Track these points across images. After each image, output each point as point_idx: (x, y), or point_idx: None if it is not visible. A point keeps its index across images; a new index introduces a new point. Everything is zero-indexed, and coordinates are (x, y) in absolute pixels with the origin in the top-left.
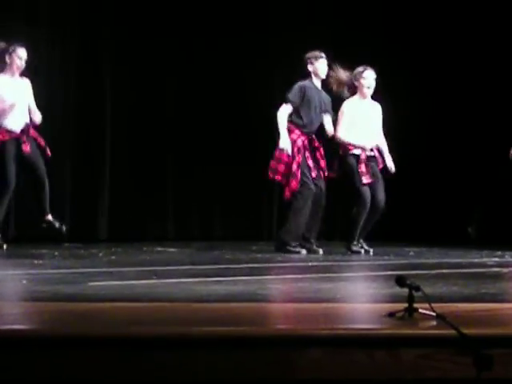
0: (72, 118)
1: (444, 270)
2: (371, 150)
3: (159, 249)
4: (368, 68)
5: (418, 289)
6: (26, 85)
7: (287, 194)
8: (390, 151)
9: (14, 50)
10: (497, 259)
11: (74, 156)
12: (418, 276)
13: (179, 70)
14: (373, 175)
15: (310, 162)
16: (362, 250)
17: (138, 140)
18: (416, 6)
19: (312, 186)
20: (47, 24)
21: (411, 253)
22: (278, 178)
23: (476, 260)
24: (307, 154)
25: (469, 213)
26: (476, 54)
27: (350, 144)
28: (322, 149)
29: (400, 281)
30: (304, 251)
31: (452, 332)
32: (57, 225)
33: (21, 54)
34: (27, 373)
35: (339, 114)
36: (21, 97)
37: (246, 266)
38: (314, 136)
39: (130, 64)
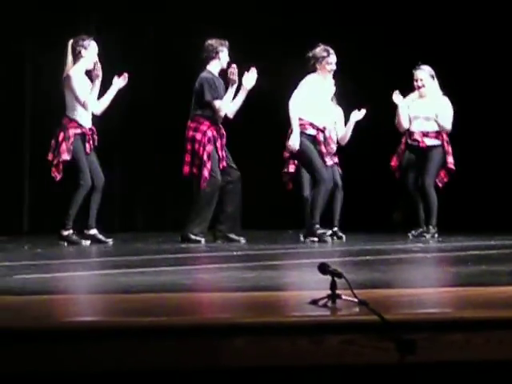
0: None
1: (368, 257)
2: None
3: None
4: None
5: (340, 275)
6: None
7: (203, 184)
8: None
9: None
10: (421, 245)
11: None
12: (343, 263)
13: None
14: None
15: (220, 153)
16: (329, 232)
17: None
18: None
19: (219, 177)
20: None
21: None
22: (195, 170)
23: (400, 246)
24: (217, 144)
25: (394, 201)
26: None
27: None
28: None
29: (322, 268)
30: (203, 241)
31: (375, 318)
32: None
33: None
34: None
35: None
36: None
37: (170, 256)
38: (221, 126)
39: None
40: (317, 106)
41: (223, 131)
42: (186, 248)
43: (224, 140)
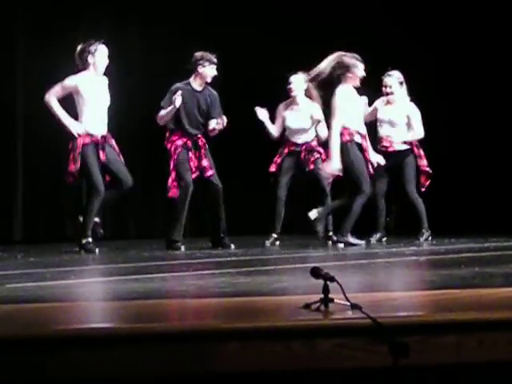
0: None
1: (361, 260)
2: None
3: (77, 249)
4: None
5: (332, 279)
6: (106, 86)
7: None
8: None
9: (96, 49)
10: (415, 248)
11: None
12: (337, 267)
13: None
14: None
15: (192, 163)
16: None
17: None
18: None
19: (188, 185)
20: None
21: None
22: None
23: (394, 249)
24: (190, 154)
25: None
26: None
27: None
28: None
29: (315, 272)
30: (183, 247)
31: (368, 321)
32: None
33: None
34: None
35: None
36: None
37: (163, 263)
38: (199, 136)
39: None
40: (357, 115)
41: (201, 142)
42: (176, 255)
43: (202, 151)
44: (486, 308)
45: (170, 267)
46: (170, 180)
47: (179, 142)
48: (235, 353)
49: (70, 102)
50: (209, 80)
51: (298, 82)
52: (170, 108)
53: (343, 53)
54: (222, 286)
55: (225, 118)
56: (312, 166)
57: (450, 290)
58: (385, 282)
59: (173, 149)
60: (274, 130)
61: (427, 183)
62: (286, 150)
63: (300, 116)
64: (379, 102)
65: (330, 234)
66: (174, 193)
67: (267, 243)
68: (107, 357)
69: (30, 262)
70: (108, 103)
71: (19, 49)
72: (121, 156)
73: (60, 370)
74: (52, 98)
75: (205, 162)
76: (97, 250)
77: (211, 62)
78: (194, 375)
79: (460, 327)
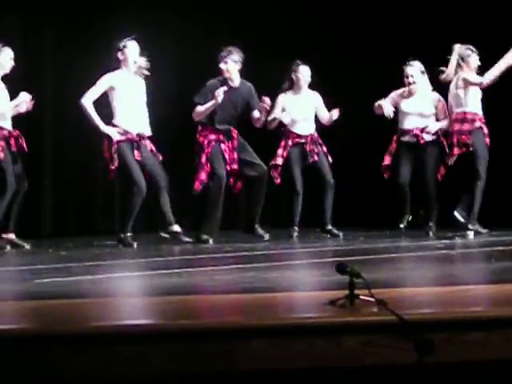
0: None
1: (392, 255)
2: None
3: (108, 242)
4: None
5: (358, 275)
6: (142, 83)
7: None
8: None
9: (125, 46)
10: (446, 241)
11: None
12: (366, 261)
13: None
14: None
15: (227, 155)
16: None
17: (81, 138)
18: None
19: (221, 179)
20: None
21: (361, 238)
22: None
23: (424, 242)
24: (224, 146)
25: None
26: None
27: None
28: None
29: (340, 268)
30: (211, 241)
31: (393, 318)
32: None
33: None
34: None
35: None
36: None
37: (192, 257)
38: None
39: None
40: None
41: (234, 133)
42: (205, 249)
43: (235, 142)
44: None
45: (198, 261)
46: (199, 173)
47: (212, 136)
48: (260, 350)
49: (106, 99)
50: (231, 76)
51: (305, 73)
52: (210, 104)
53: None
54: (249, 281)
55: (267, 101)
56: (316, 158)
57: (477, 285)
58: (412, 277)
59: (206, 142)
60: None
61: (444, 172)
62: (290, 142)
63: (302, 106)
64: (397, 94)
65: (329, 227)
66: (197, 186)
67: (293, 236)
68: (130, 352)
69: (63, 256)
70: (144, 100)
71: (46, 44)
72: (158, 156)
73: (83, 368)
74: (87, 102)
75: (235, 155)
76: (135, 244)
77: (233, 59)
78: (218, 372)
79: (486, 324)
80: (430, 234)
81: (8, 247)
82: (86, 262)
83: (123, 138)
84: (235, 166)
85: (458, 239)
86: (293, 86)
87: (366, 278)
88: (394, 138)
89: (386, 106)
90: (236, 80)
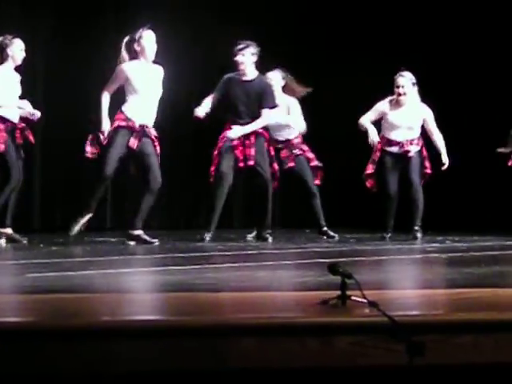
0: None
1: (383, 257)
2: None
3: (99, 239)
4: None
5: (350, 276)
6: (159, 73)
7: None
8: None
9: (141, 36)
10: (437, 245)
11: None
12: (357, 263)
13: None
14: None
15: (238, 151)
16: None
17: (72, 131)
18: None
19: (222, 176)
20: None
21: (351, 240)
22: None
23: (416, 246)
24: (235, 142)
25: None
26: None
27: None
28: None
29: (332, 268)
30: (207, 238)
31: (384, 319)
32: None
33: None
34: None
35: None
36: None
37: (182, 255)
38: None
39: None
40: None
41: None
42: (198, 247)
43: (252, 139)
44: (503, 308)
45: (189, 260)
46: (211, 167)
47: (227, 132)
48: (251, 349)
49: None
50: (246, 69)
51: (276, 79)
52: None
53: None
54: (241, 279)
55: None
56: (292, 164)
57: (467, 288)
58: (403, 279)
59: (220, 137)
60: None
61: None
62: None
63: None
64: (385, 105)
65: (325, 228)
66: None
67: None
68: (120, 348)
69: (52, 252)
70: (159, 93)
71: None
72: (157, 148)
73: (73, 363)
74: (102, 93)
75: (252, 151)
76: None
77: (250, 51)
78: (208, 370)
79: (477, 327)
80: (418, 236)
81: (2, 242)
82: (76, 258)
83: (123, 123)
84: (251, 163)
85: (449, 242)
86: None
87: (357, 279)
88: (378, 146)
89: (371, 134)
90: (249, 73)
